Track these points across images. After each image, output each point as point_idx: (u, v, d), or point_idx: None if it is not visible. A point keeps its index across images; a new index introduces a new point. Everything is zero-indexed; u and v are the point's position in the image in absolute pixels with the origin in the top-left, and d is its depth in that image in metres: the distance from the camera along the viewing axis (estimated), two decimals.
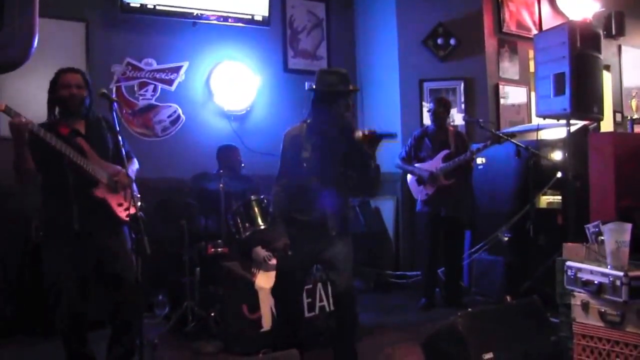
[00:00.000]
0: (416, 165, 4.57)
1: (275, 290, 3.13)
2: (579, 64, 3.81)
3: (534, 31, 5.79)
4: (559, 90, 3.83)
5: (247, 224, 3.89)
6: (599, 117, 4.14)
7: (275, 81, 5.61)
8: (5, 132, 3.54)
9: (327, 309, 3.69)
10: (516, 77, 5.77)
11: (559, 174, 4.21)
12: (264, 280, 3.51)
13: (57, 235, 2.80)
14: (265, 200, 3.91)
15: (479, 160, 4.82)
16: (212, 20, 5.11)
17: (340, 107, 2.87)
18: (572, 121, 4.04)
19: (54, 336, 3.16)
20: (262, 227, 3.84)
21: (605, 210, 3.61)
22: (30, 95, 3.90)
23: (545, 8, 6.12)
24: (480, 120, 4.59)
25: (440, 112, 4.52)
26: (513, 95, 5.72)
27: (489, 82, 5.52)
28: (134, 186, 2.90)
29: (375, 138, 2.77)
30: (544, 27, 5.78)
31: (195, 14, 5.00)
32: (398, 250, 5.60)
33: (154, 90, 5.03)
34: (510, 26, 5.76)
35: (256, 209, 3.91)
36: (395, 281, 5.34)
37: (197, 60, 5.20)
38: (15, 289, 4.03)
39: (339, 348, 2.98)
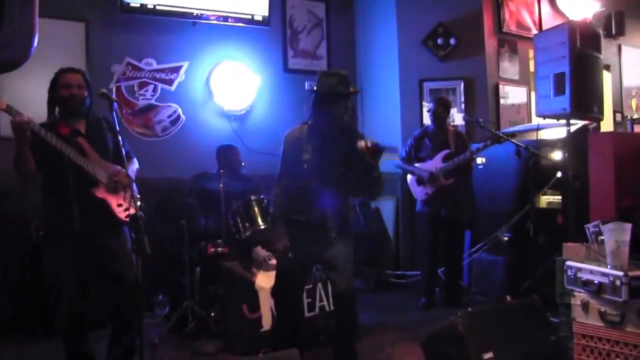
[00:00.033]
0: (416, 165, 4.57)
1: (275, 291, 3.13)
2: (579, 63, 3.81)
3: (534, 31, 5.80)
4: (559, 90, 3.83)
5: (247, 224, 3.89)
6: (599, 117, 4.14)
7: (275, 81, 5.61)
8: (5, 132, 3.54)
9: (327, 309, 3.68)
10: (516, 77, 5.77)
11: (559, 174, 4.21)
12: (264, 280, 3.51)
13: (58, 235, 2.80)
14: (265, 200, 3.91)
15: (479, 160, 4.83)
16: (212, 20, 5.11)
17: (339, 108, 2.88)
18: (572, 121, 4.04)
19: (54, 336, 3.17)
20: (262, 227, 3.84)
21: (605, 210, 3.60)
22: (30, 95, 3.90)
23: (545, 8, 6.12)
24: (480, 120, 4.59)
25: (440, 112, 4.52)
26: (513, 95, 5.72)
27: (489, 82, 5.52)
28: (134, 186, 2.90)
29: (377, 150, 2.79)
30: (544, 27, 5.78)
31: (195, 14, 5.00)
32: (398, 250, 5.61)
33: (154, 90, 5.03)
34: (510, 26, 5.76)
35: (256, 209, 3.91)
36: (395, 281, 5.34)
37: (197, 60, 5.20)
38: (15, 289, 4.03)
39: (339, 348, 2.98)
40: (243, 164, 4.55)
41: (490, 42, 5.56)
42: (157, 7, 4.83)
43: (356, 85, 5.94)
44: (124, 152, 2.71)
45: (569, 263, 2.82)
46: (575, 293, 2.76)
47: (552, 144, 4.46)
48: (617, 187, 3.67)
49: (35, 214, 3.83)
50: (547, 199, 4.53)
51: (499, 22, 5.69)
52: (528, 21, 5.95)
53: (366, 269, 5.21)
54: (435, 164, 4.46)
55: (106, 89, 3.28)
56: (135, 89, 4.96)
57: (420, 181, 4.55)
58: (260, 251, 3.69)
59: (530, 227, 4.07)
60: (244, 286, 3.55)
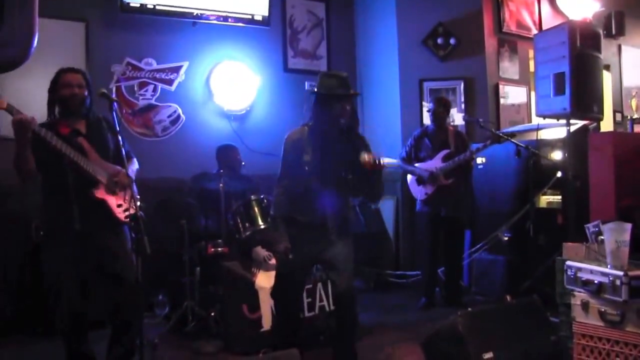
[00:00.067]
0: (416, 165, 4.57)
1: (275, 291, 3.14)
2: (579, 63, 3.81)
3: (534, 31, 5.80)
4: (558, 90, 3.83)
5: (247, 224, 3.89)
6: (598, 117, 4.14)
7: (275, 81, 5.61)
8: (5, 132, 3.54)
9: (327, 309, 3.69)
10: (516, 77, 5.77)
11: (559, 174, 4.21)
12: (264, 280, 3.51)
13: (58, 235, 2.81)
14: (265, 200, 3.91)
15: (479, 160, 4.82)
16: (212, 20, 5.11)
17: (339, 110, 2.88)
18: (572, 121, 4.04)
19: (54, 336, 3.17)
20: (262, 226, 3.84)
21: (605, 210, 3.60)
22: (30, 95, 3.89)
23: (545, 8, 6.12)
24: (480, 120, 4.58)
25: (440, 111, 4.52)
26: (513, 95, 5.72)
27: (489, 82, 5.52)
28: (134, 186, 2.90)
29: (378, 169, 2.82)
30: (544, 27, 5.78)
31: (195, 14, 5.00)
32: (398, 250, 5.61)
33: (154, 90, 5.03)
34: (510, 26, 5.77)
35: (256, 209, 3.91)
36: (395, 281, 5.34)
37: (197, 60, 5.20)
38: (15, 289, 4.03)
39: (339, 348, 2.99)
40: (243, 163, 4.55)
41: (490, 42, 5.57)
42: (157, 7, 4.82)
43: (356, 86, 5.96)
44: (124, 152, 2.71)
45: (569, 263, 2.82)
46: (575, 293, 2.76)
47: (552, 144, 4.46)
48: (617, 187, 3.67)
49: (35, 214, 3.83)
50: (547, 199, 4.53)
51: (499, 22, 5.69)
52: (528, 21, 5.95)
53: (366, 269, 5.21)
54: (435, 163, 4.46)
55: (106, 89, 3.27)
56: (135, 89, 4.96)
57: (420, 181, 4.54)
58: (260, 251, 3.68)
59: (530, 227, 4.07)
60: (244, 286, 3.55)
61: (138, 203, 2.73)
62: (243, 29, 5.31)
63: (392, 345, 3.52)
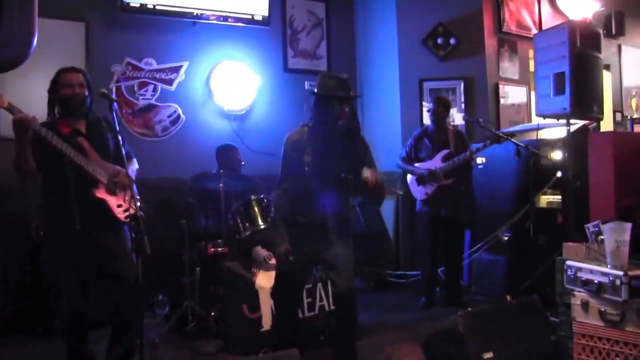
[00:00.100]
0: (416, 165, 4.57)
1: (275, 291, 3.14)
2: (579, 63, 3.80)
3: (534, 31, 5.79)
4: (558, 90, 3.83)
5: (247, 224, 3.89)
6: (598, 117, 4.14)
7: (275, 81, 5.61)
8: (6, 132, 3.54)
9: (327, 309, 3.69)
10: (516, 77, 5.77)
11: (559, 174, 4.21)
12: (264, 280, 3.51)
13: (58, 235, 2.80)
14: (265, 200, 3.91)
15: (479, 160, 4.82)
16: (212, 20, 5.11)
17: (339, 111, 2.88)
18: (572, 121, 4.04)
19: (54, 336, 3.17)
20: (262, 226, 3.84)
21: (605, 210, 3.60)
22: (29, 95, 3.89)
23: (545, 8, 6.12)
24: (480, 119, 4.58)
25: (440, 111, 4.52)
26: (513, 94, 5.72)
27: (488, 82, 5.52)
28: (134, 187, 2.90)
29: (380, 191, 2.85)
30: (544, 27, 5.78)
31: (195, 14, 5.00)
32: (398, 250, 5.60)
33: (154, 90, 5.03)
34: (510, 26, 5.77)
35: (256, 209, 3.91)
36: (395, 281, 5.34)
37: (197, 60, 5.20)
38: (15, 289, 4.03)
39: (339, 348, 2.98)
40: (243, 163, 4.55)
41: (490, 42, 5.56)
42: (157, 7, 4.83)
43: (356, 85, 5.96)
44: (124, 152, 2.71)
45: (568, 263, 2.82)
46: (575, 293, 2.77)
47: (552, 144, 4.46)
48: (617, 187, 3.67)
49: (35, 214, 3.83)
50: (547, 199, 4.53)
51: (499, 22, 5.69)
52: (528, 21, 5.95)
53: (366, 269, 5.21)
54: (435, 163, 4.46)
55: (106, 89, 3.27)
56: (135, 88, 4.96)
57: (420, 181, 4.54)
58: (260, 251, 3.68)
59: (530, 226, 4.06)
60: (244, 286, 3.55)
61: (138, 203, 2.73)
62: (243, 29, 5.31)
63: (392, 345, 3.51)
